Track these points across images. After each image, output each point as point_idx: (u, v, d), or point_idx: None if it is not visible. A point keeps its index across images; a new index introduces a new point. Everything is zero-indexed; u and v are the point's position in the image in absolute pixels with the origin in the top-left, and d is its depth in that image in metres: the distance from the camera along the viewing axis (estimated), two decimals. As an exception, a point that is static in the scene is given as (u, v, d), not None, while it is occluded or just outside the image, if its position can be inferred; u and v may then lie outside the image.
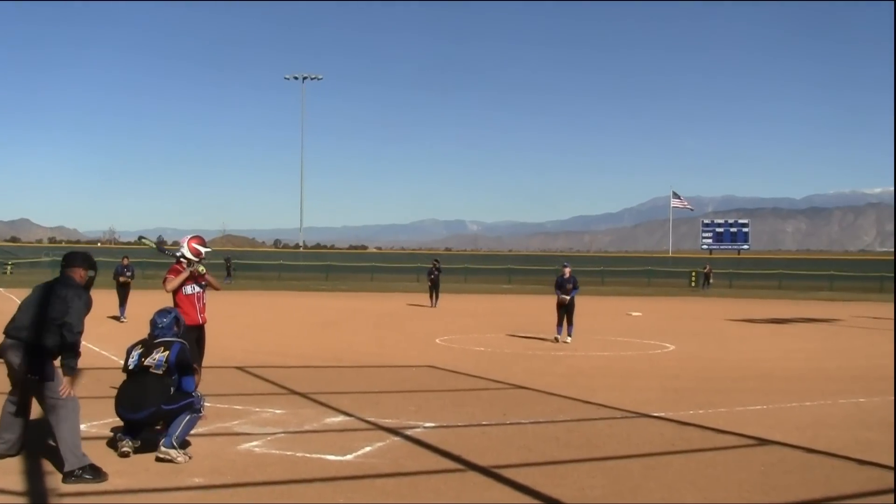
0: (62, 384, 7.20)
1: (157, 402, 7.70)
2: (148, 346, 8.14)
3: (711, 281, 63.60)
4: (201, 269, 10.37)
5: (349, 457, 8.19)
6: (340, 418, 10.24)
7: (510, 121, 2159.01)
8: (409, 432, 9.39)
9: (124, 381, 8.10)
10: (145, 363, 7.94)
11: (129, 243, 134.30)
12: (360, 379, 14.38)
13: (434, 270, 36.79)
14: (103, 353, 15.46)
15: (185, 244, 10.52)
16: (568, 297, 20.83)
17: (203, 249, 10.55)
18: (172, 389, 7.82)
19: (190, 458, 7.72)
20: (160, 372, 7.86)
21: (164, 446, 7.61)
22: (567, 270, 21.36)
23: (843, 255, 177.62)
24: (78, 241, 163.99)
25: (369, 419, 10.08)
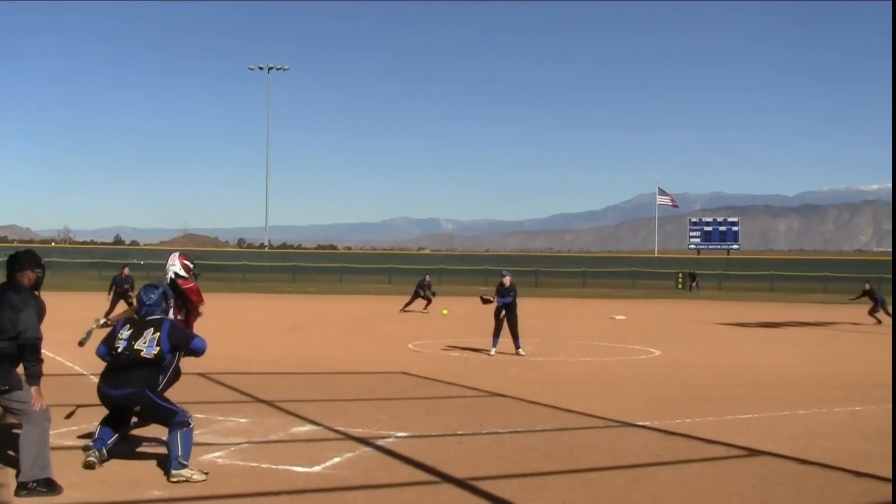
0: (32, 394, 7.14)
1: (141, 385, 7.72)
2: (137, 325, 8.12)
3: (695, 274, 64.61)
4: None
5: (317, 468, 8.20)
6: (308, 428, 10.25)
7: (487, 114, 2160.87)
8: (380, 442, 9.41)
9: (113, 362, 7.99)
10: (135, 347, 7.92)
11: (84, 242, 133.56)
12: (328, 386, 14.38)
13: (423, 286, 36.75)
14: (57, 358, 15.34)
15: (177, 262, 10.50)
16: (501, 305, 19.19)
17: (191, 265, 10.64)
18: (161, 379, 7.82)
19: (206, 473, 7.63)
20: (151, 356, 7.87)
21: (175, 469, 7.48)
22: (507, 279, 19.48)
23: (839, 255, 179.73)
24: (31, 241, 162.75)
25: (338, 428, 10.10)
